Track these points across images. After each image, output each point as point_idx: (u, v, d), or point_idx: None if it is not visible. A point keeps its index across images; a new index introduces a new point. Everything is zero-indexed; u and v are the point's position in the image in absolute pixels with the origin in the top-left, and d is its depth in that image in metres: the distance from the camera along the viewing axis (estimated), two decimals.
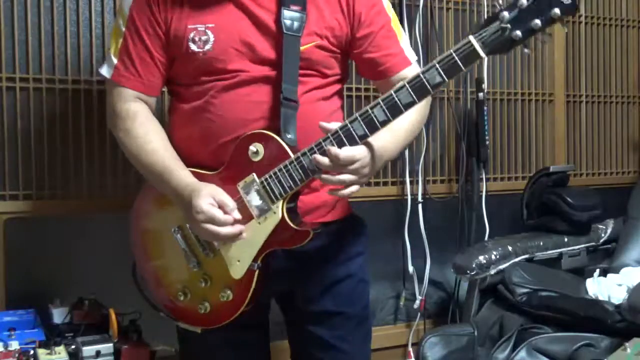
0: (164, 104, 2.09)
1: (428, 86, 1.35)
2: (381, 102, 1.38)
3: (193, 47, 1.50)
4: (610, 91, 3.24)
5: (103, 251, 2.16)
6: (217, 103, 1.51)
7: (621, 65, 3.26)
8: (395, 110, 1.38)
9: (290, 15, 1.49)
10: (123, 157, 2.13)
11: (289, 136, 1.46)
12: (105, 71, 1.58)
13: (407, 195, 2.69)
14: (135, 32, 1.53)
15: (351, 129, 1.40)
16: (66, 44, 2.11)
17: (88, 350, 1.70)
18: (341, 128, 1.40)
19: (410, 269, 2.70)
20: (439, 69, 1.34)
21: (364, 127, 1.39)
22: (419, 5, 2.67)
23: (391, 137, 1.51)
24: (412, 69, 1.61)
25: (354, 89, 2.55)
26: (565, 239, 2.73)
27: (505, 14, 1.28)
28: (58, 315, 1.88)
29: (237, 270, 1.49)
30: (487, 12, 2.82)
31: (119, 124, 1.56)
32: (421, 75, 1.36)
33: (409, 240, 2.68)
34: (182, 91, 1.58)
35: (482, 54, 1.31)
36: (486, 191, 2.81)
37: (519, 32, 1.29)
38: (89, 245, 2.16)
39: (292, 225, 1.47)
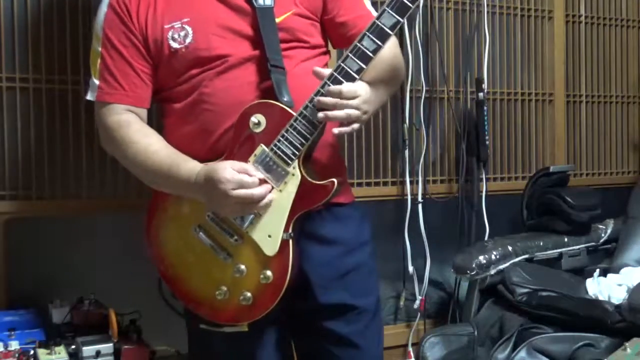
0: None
1: (407, 2, 1.41)
2: (367, 33, 1.42)
3: (174, 45, 1.51)
4: (610, 91, 3.24)
5: (103, 251, 2.16)
6: (211, 92, 1.51)
7: (621, 65, 3.26)
8: (383, 35, 1.42)
9: None
10: None
11: (285, 99, 1.48)
12: (90, 95, 1.57)
13: (407, 195, 2.69)
14: (112, 48, 1.54)
15: (346, 67, 1.43)
16: (66, 44, 2.11)
17: (88, 350, 1.70)
18: (335, 69, 1.44)
19: (410, 269, 2.69)
20: None
21: (358, 61, 1.43)
22: (419, 5, 2.67)
23: (379, 72, 1.55)
24: None
25: None
26: (565, 239, 2.73)
27: None
28: (58, 315, 1.88)
29: (271, 246, 1.48)
30: (487, 12, 2.82)
31: (113, 136, 1.54)
32: None
33: (409, 240, 2.67)
34: (172, 93, 1.57)
35: None
36: (486, 191, 2.81)
37: None
38: (89, 245, 2.16)
39: (313, 182, 1.47)
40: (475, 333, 2.39)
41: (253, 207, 1.45)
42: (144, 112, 1.58)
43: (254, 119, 1.46)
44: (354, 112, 1.44)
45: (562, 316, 2.28)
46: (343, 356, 1.62)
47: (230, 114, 1.50)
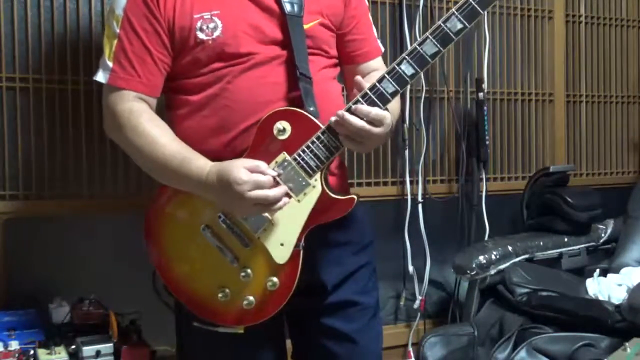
0: None
1: (451, 34, 1.43)
2: (407, 57, 1.44)
3: (201, 35, 1.48)
4: (610, 91, 3.24)
5: (103, 251, 2.16)
6: (233, 89, 1.49)
7: (621, 65, 3.26)
8: (422, 62, 1.44)
9: None
10: (123, 157, 2.14)
11: (311, 109, 1.47)
12: (100, 77, 1.51)
13: (407, 195, 2.69)
14: (131, 31, 1.48)
15: (381, 88, 1.43)
16: (66, 44, 2.11)
17: (88, 350, 1.70)
18: (371, 89, 1.44)
19: (410, 269, 2.69)
20: (459, 16, 1.42)
21: (394, 83, 1.44)
22: (419, 5, 2.67)
23: (394, 109, 1.58)
24: (380, 59, 1.73)
25: None
26: (565, 239, 2.73)
27: None
28: (58, 315, 1.88)
29: (282, 255, 1.48)
30: (487, 12, 2.82)
31: (123, 124, 1.49)
32: (443, 25, 1.43)
33: (409, 240, 2.67)
34: (189, 84, 1.53)
35: None
36: (486, 191, 2.81)
37: None
38: (89, 245, 2.16)
39: (333, 195, 1.48)
40: (475, 333, 2.39)
41: (268, 208, 1.44)
42: (154, 102, 1.54)
43: (279, 125, 1.45)
44: (367, 139, 1.44)
45: (562, 316, 2.28)
46: (342, 353, 1.62)
47: (250, 112, 1.48)
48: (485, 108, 2.76)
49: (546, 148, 3.06)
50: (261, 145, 1.46)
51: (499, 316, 2.43)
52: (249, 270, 1.50)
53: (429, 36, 1.43)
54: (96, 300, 1.92)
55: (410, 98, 2.69)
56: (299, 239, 1.48)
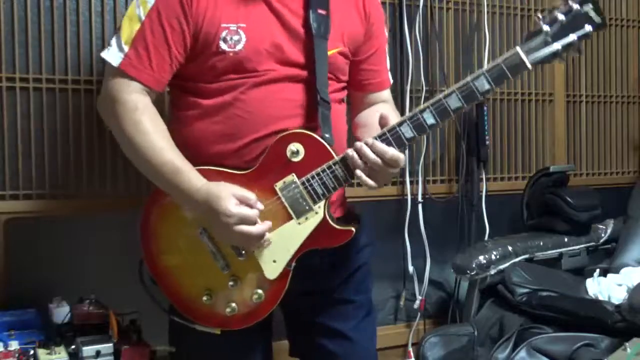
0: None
1: (477, 93, 1.44)
2: (430, 107, 1.45)
3: (224, 46, 1.48)
4: (610, 91, 3.24)
5: (103, 251, 2.16)
6: (246, 99, 1.49)
7: (621, 65, 3.26)
8: (444, 115, 1.45)
9: (317, 19, 1.51)
10: (123, 157, 2.13)
11: (327, 136, 1.48)
12: (111, 57, 1.47)
13: (407, 195, 2.69)
14: (157, 24, 1.46)
15: (400, 132, 1.45)
16: (66, 44, 2.11)
17: (88, 350, 1.69)
18: (389, 131, 1.45)
19: (410, 269, 2.70)
20: (488, 77, 1.43)
21: (413, 130, 1.45)
22: (419, 5, 2.67)
23: None
24: (389, 90, 1.76)
25: None
26: (565, 239, 2.73)
27: (548, 28, 1.40)
28: (58, 315, 1.88)
29: (272, 271, 1.49)
30: (487, 12, 2.82)
31: (123, 115, 1.46)
32: (471, 83, 1.43)
33: (409, 240, 2.68)
34: (203, 88, 1.52)
35: (528, 65, 1.42)
36: (486, 191, 2.81)
37: (558, 46, 1.41)
38: (89, 245, 2.16)
39: (333, 225, 1.49)
40: (475, 333, 2.39)
41: (251, 242, 1.45)
42: (155, 96, 1.53)
43: (292, 147, 1.46)
44: (380, 174, 1.46)
45: (562, 316, 2.28)
46: (337, 350, 1.63)
47: (261, 124, 1.49)
48: (485, 108, 2.76)
49: (546, 148, 3.06)
50: (272, 162, 1.47)
51: (499, 316, 2.43)
52: (238, 279, 1.52)
53: (455, 91, 1.44)
54: (96, 300, 1.92)
55: (410, 98, 2.68)
56: (291, 260, 1.50)
